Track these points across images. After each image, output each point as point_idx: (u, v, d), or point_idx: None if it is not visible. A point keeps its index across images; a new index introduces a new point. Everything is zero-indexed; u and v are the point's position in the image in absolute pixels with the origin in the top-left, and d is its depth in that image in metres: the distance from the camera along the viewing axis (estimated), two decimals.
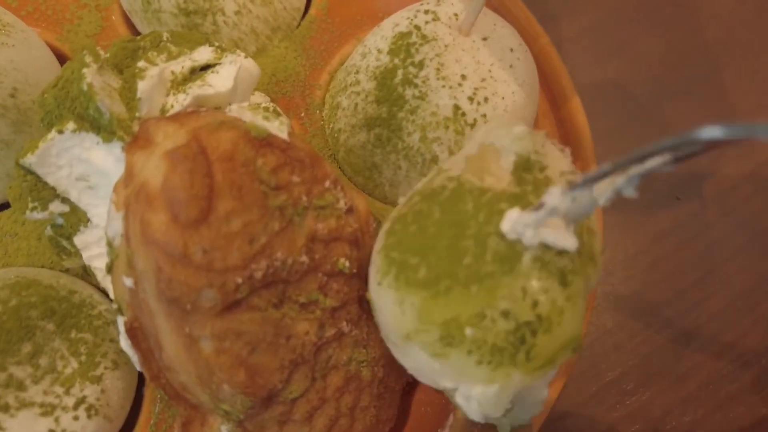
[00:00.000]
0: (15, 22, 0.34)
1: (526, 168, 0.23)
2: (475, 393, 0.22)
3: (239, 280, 0.24)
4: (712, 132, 0.16)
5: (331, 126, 0.35)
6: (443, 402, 0.33)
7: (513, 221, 0.21)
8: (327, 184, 0.28)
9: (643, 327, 0.40)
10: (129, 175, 0.25)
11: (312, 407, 0.27)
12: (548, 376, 0.23)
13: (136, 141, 0.25)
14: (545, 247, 0.21)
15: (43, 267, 0.33)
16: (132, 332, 0.25)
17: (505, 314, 0.21)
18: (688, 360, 0.39)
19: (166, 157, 0.24)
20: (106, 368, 0.29)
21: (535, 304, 0.21)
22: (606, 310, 0.40)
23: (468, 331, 0.21)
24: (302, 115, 0.36)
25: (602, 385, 0.38)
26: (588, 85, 0.46)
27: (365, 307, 0.29)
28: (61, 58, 0.37)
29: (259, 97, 0.34)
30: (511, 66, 0.32)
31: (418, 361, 0.23)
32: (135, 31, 0.38)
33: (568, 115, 0.36)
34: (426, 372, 0.24)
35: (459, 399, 0.23)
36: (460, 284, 0.21)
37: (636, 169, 0.18)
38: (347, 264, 0.28)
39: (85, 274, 0.32)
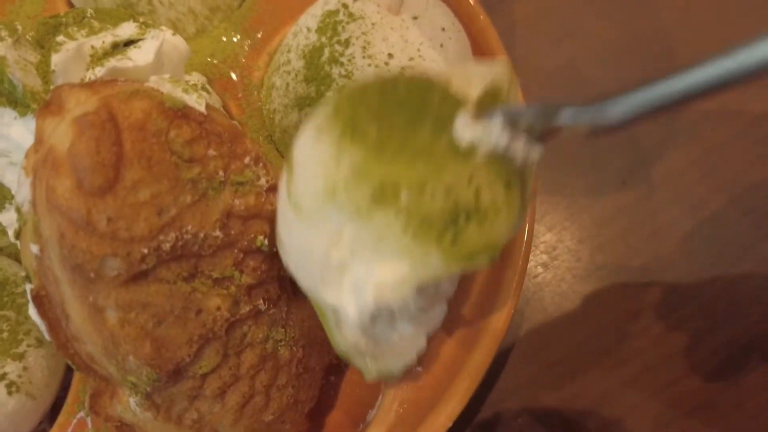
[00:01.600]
0: None
1: (493, 94, 0.24)
2: (377, 274, 0.21)
3: (145, 251, 0.24)
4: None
5: (267, 107, 0.35)
6: (375, 382, 0.33)
7: (469, 122, 0.22)
8: (247, 160, 0.28)
9: (585, 311, 0.40)
10: (39, 141, 0.25)
11: (224, 383, 0.27)
12: (452, 281, 0.23)
13: (47, 107, 0.25)
14: (500, 153, 0.22)
15: None
16: (38, 300, 0.25)
17: (447, 191, 0.21)
18: (629, 345, 0.39)
19: (74, 123, 0.24)
20: (29, 346, 0.29)
21: (478, 193, 0.22)
22: (549, 294, 0.40)
23: (404, 194, 0.21)
24: (239, 95, 0.36)
25: (542, 368, 0.38)
26: (541, 67, 0.46)
27: (286, 286, 0.29)
28: None
29: (195, 77, 0.34)
30: (441, 45, 0.32)
31: (327, 229, 0.22)
32: None
33: None
34: (319, 248, 0.23)
35: (346, 292, 0.23)
36: (409, 153, 0.22)
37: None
38: (266, 242, 0.28)
39: (7, 254, 0.32)
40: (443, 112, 0.23)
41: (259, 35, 0.38)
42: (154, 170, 0.24)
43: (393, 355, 0.28)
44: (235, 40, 0.37)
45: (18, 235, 0.25)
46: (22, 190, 0.25)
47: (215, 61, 0.36)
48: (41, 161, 0.24)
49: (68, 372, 0.33)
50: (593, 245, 0.42)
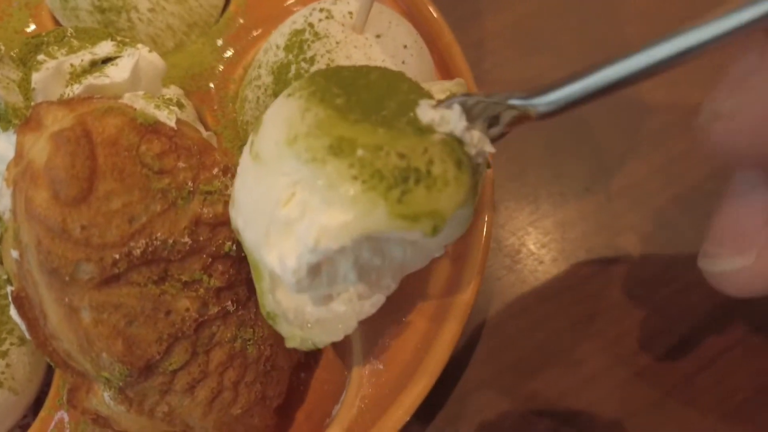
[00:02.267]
0: None
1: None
2: (323, 219, 0.23)
3: (117, 256, 0.26)
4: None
5: (240, 118, 0.37)
6: (342, 379, 0.35)
7: (430, 107, 0.25)
8: (216, 171, 0.30)
9: (545, 312, 0.42)
10: (19, 155, 0.27)
11: (193, 379, 0.29)
12: (396, 238, 0.25)
13: (27, 123, 0.27)
14: (456, 137, 0.25)
15: None
16: (18, 301, 0.27)
17: (401, 156, 0.23)
18: (587, 345, 0.41)
19: (51, 139, 0.26)
20: (11, 344, 0.31)
21: (430, 162, 0.24)
22: (511, 295, 0.42)
23: (360, 151, 0.23)
24: (215, 107, 0.38)
25: (504, 367, 0.41)
26: (510, 80, 0.49)
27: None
28: None
29: (173, 90, 0.36)
30: (403, 62, 0.34)
31: (282, 179, 0.25)
32: None
33: None
34: (269, 201, 0.25)
35: (289, 242, 0.24)
36: (369, 122, 0.24)
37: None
38: (234, 247, 0.29)
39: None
40: (409, 98, 0.26)
41: (234, 50, 0.40)
42: (126, 182, 0.26)
43: (321, 329, 0.29)
44: (211, 54, 0.39)
45: None
46: (2, 200, 0.27)
47: (192, 75, 0.38)
48: (21, 174, 0.26)
49: (49, 369, 0.35)
50: (555, 249, 0.44)
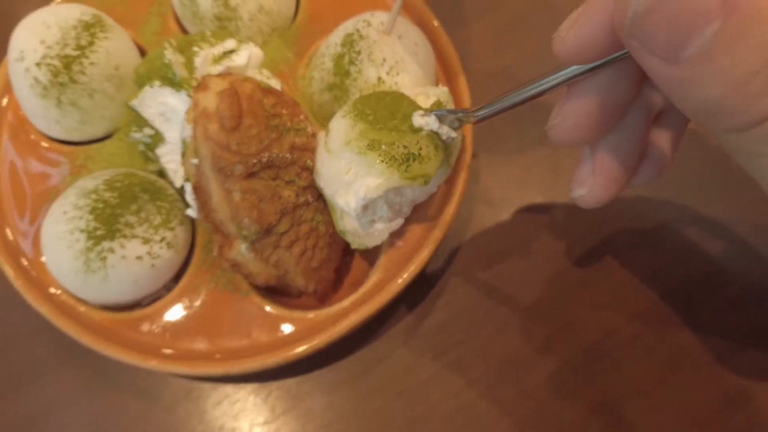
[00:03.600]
0: (113, 24, 0.53)
1: (437, 105, 0.44)
2: (366, 183, 0.40)
3: (254, 161, 0.44)
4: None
5: (307, 90, 0.56)
6: (374, 258, 0.53)
7: (419, 116, 0.42)
8: (301, 117, 0.48)
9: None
10: (195, 105, 0.44)
11: (290, 241, 0.47)
12: (410, 189, 0.44)
13: (199, 86, 0.44)
14: (434, 132, 0.42)
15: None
16: (197, 190, 0.45)
17: (405, 147, 0.40)
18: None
19: (217, 95, 0.43)
20: (177, 224, 0.47)
21: (420, 148, 0.41)
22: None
23: (384, 146, 0.40)
24: (290, 83, 0.56)
25: (471, 260, 0.55)
26: (485, 70, 0.63)
27: None
28: (138, 47, 0.55)
29: (265, 72, 0.55)
30: (415, 53, 0.52)
31: (342, 162, 0.41)
32: (184, 30, 0.57)
33: (456, 87, 0.55)
34: (339, 174, 0.41)
35: (350, 194, 0.42)
36: (387, 129, 0.41)
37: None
38: (310, 163, 0.48)
39: (160, 174, 0.53)
40: (408, 110, 0.42)
41: (300, 46, 0.56)
42: (257, 119, 0.44)
43: (369, 238, 0.45)
44: (287, 49, 0.58)
45: (183, 154, 0.46)
46: (185, 130, 0.45)
47: (274, 61, 0.57)
48: (198, 115, 0.44)
49: (193, 243, 0.50)
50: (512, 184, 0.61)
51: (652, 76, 0.26)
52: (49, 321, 0.46)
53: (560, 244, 0.56)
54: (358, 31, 0.50)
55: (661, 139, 0.40)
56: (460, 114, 0.41)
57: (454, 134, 0.42)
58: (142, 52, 0.55)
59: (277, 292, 0.49)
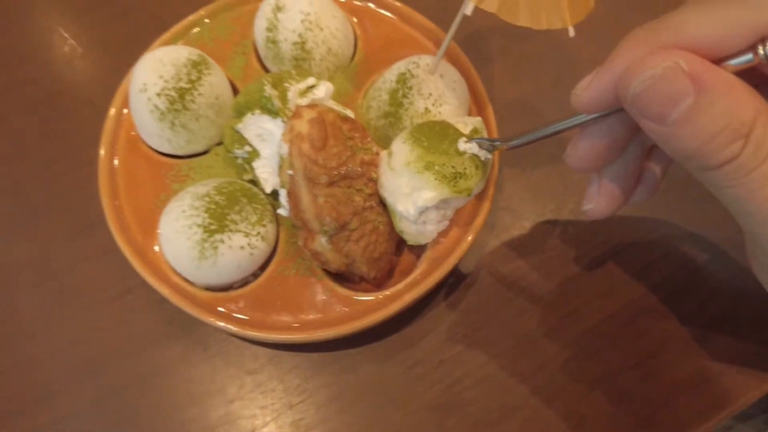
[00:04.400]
0: (212, 62, 0.61)
1: (474, 131, 0.53)
2: (423, 195, 0.47)
3: (335, 173, 0.52)
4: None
5: (366, 117, 0.66)
6: (421, 253, 0.61)
7: (464, 142, 0.49)
8: (368, 139, 0.59)
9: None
10: (290, 129, 0.53)
11: (359, 236, 0.54)
12: (455, 199, 0.56)
13: (294, 115, 0.54)
14: (475, 155, 0.49)
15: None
16: (290, 195, 0.55)
17: (453, 167, 0.47)
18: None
19: (308, 122, 0.54)
20: (267, 221, 0.54)
21: (465, 168, 0.47)
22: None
23: (437, 167, 0.47)
24: (352, 110, 0.69)
25: (497, 256, 0.65)
26: (505, 99, 0.69)
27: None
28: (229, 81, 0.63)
29: (332, 102, 0.68)
30: (454, 89, 0.60)
31: (403, 179, 0.47)
32: (264, 67, 0.64)
33: (486, 116, 0.61)
34: (400, 187, 0.48)
35: (409, 203, 0.51)
36: (439, 153, 0.47)
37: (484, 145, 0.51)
38: (374, 175, 0.58)
39: (253, 183, 0.59)
40: (453, 137, 0.48)
41: (360, 81, 0.63)
42: (338, 141, 0.53)
43: (421, 236, 0.51)
44: (347, 83, 0.67)
45: (280, 167, 0.58)
46: (282, 148, 0.57)
47: (339, 94, 0.68)
48: (293, 137, 0.56)
49: (277, 238, 0.57)
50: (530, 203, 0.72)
51: (646, 131, 0.34)
52: (166, 299, 0.57)
53: (568, 245, 0.63)
54: (409, 71, 0.61)
55: (653, 167, 0.48)
56: (498, 143, 0.49)
57: (489, 156, 0.52)
58: (231, 84, 0.64)
59: (343, 278, 0.58)
